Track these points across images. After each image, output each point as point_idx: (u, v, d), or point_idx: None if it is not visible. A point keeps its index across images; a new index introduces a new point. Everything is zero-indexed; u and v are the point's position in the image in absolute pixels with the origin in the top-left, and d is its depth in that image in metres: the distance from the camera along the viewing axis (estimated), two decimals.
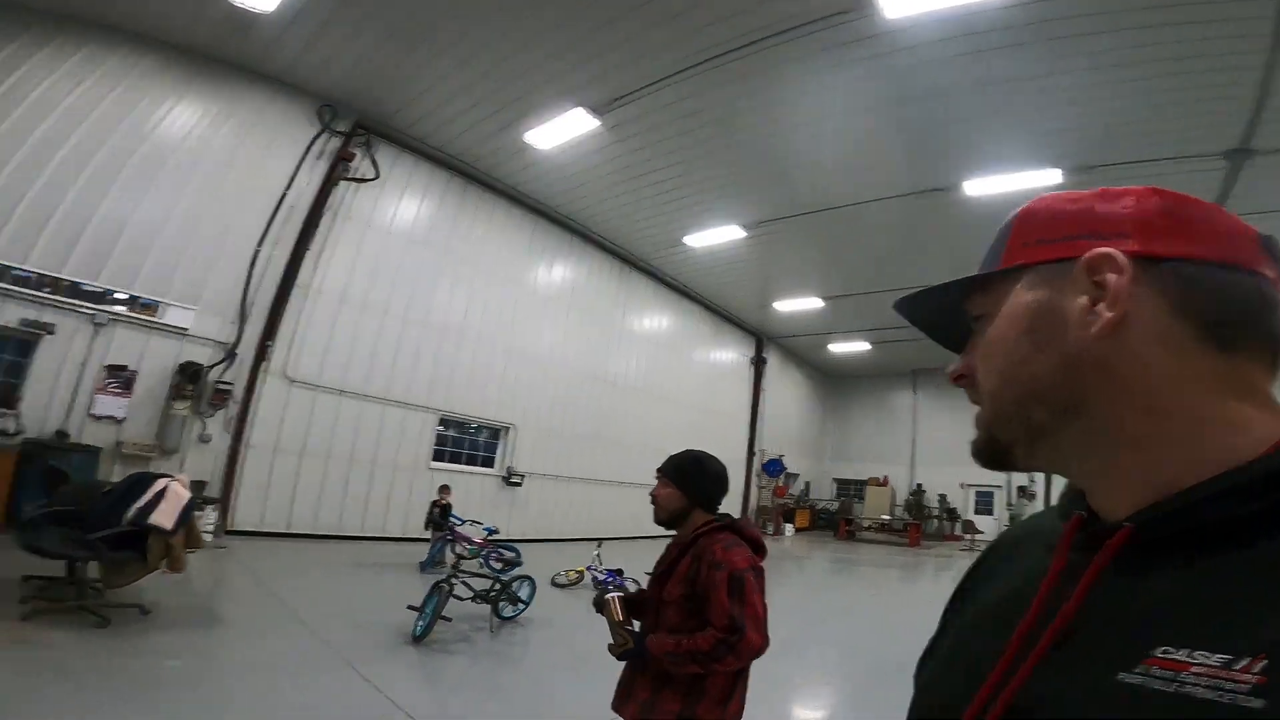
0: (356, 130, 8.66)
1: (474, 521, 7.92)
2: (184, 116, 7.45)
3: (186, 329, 7.20)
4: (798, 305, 14.65)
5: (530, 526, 10.29)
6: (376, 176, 8.86)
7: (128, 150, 7.01)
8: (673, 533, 1.94)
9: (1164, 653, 0.35)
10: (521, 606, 6.03)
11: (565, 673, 4.59)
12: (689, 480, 1.91)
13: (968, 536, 17.60)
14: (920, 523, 18.67)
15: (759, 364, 17.38)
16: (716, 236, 11.33)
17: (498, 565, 8.02)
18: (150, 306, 7.01)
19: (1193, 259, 0.43)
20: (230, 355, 7.41)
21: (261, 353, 7.67)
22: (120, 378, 6.77)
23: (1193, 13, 5.62)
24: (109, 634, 3.86)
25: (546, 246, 11.25)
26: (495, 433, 10.49)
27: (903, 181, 9.12)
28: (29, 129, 6.43)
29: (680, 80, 7.46)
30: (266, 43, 7.44)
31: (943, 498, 19.63)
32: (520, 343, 10.66)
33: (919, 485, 20.00)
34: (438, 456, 9.54)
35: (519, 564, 7.06)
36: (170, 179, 7.24)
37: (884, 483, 20.82)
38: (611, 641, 1.84)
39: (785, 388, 19.28)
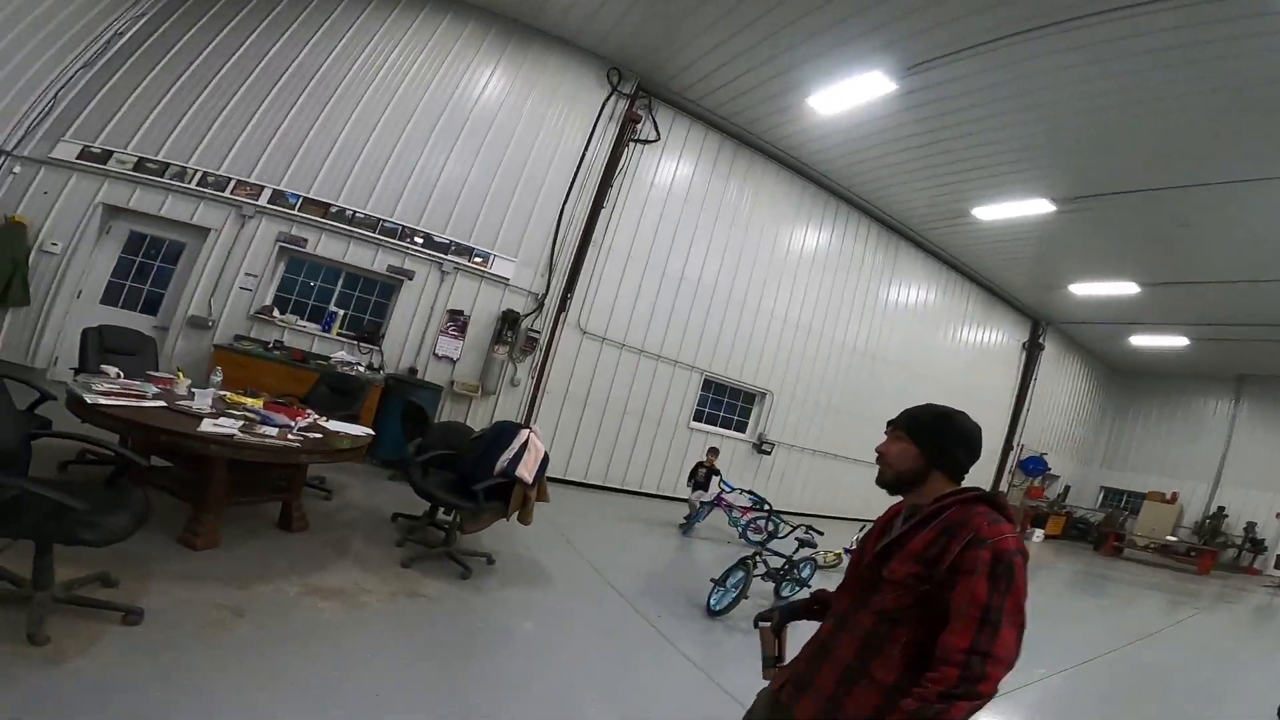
0: (639, 93, 8.81)
1: (744, 490, 7.98)
2: (500, 81, 8.10)
3: (508, 279, 8.02)
4: (1101, 289, 12.37)
5: (772, 498, 10.22)
6: (658, 138, 9.00)
7: (461, 115, 7.87)
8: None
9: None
10: (800, 589, 5.86)
11: None
12: (930, 436, 1.55)
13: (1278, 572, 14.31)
14: (1215, 550, 15.49)
15: (1032, 350, 15.17)
16: (1015, 210, 9.79)
17: (756, 537, 8.06)
18: (483, 257, 7.91)
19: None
20: (540, 305, 8.15)
21: (563, 304, 8.32)
22: (458, 321, 7.79)
23: None
24: (470, 586, 4.24)
25: (814, 212, 10.63)
26: (750, 397, 10.47)
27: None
28: (384, 93, 7.57)
29: (996, 47, 6.36)
30: (563, 7, 7.77)
31: (1250, 526, 16.00)
32: (781, 308, 10.36)
33: (1220, 508, 16.47)
34: (696, 417, 9.80)
35: (778, 536, 6.95)
36: (494, 141, 7.99)
37: (1171, 499, 17.43)
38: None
39: (1060, 379, 16.69)
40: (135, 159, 6.80)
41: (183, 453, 3.51)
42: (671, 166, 9.22)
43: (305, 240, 7.23)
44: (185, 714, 2.30)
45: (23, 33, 5.85)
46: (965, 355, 13.60)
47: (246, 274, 7.03)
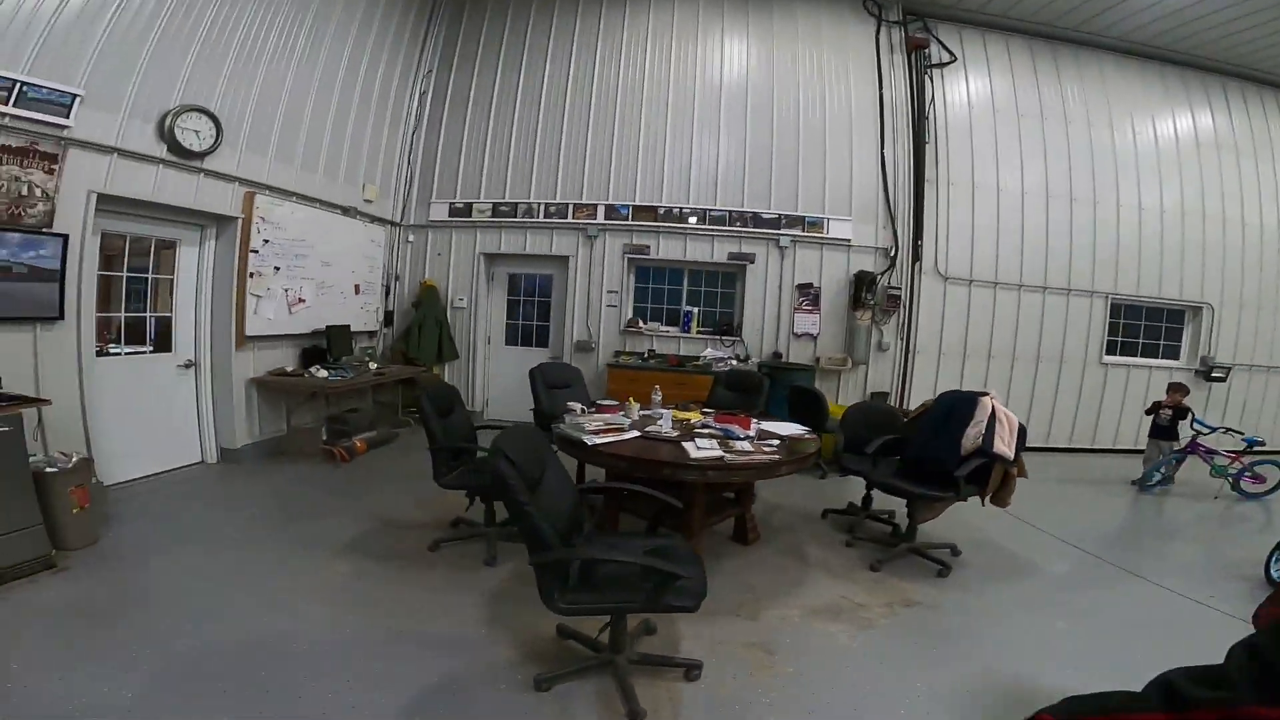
0: (908, 17, 7.58)
1: (1230, 429, 6.07)
2: (758, 48, 7.55)
3: (849, 240, 7.26)
4: None
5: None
6: (954, 58, 7.56)
7: (739, 91, 7.47)
8: None
9: None
10: None
11: None
12: None
13: None
14: None
15: None
16: None
17: (1256, 488, 6.08)
18: (816, 224, 7.26)
19: None
20: (892, 260, 7.22)
21: (915, 252, 7.27)
22: (809, 294, 7.25)
23: None
24: (955, 585, 3.70)
25: (1184, 95, 7.96)
26: (1177, 315, 8.11)
27: None
28: (657, 88, 7.35)
29: None
30: None
31: None
32: (1193, 202, 7.86)
33: None
34: (1109, 349, 7.86)
35: None
36: (782, 105, 7.42)
37: None
38: None
39: None
40: (490, 205, 7.61)
41: (663, 480, 3.43)
42: (981, 83, 7.69)
43: (646, 247, 7.37)
44: None
45: (358, 121, 6.83)
46: None
47: (609, 291, 7.39)
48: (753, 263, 7.28)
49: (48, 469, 3.45)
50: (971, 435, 3.91)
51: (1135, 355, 8.00)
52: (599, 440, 3.55)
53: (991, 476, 3.87)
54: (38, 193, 3.84)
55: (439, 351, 7.31)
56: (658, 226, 7.36)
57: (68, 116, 3.95)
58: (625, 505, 3.99)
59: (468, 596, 3.24)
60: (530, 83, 7.67)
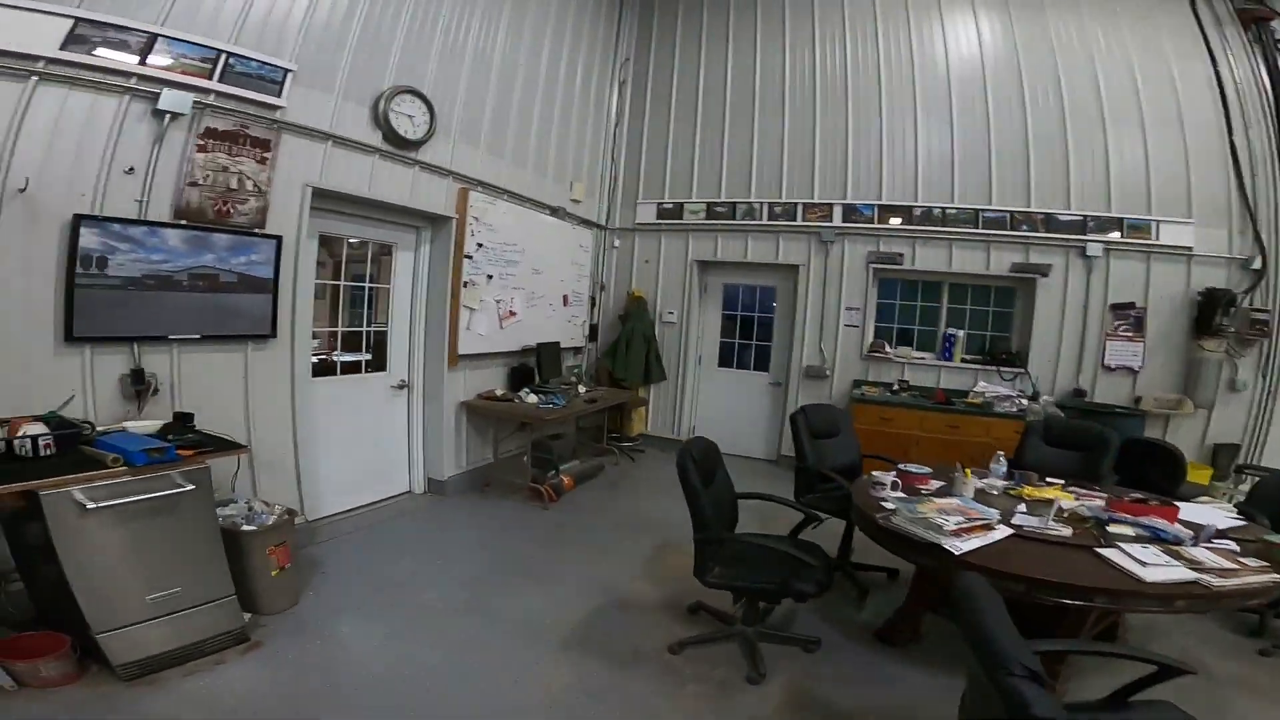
0: None
1: None
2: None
3: (1190, 248, 5.39)
4: None
5: None
6: None
7: (1008, 69, 5.70)
8: None
9: None
10: None
11: None
12: None
13: None
14: None
15: None
16: None
17: None
18: (1140, 228, 5.47)
19: None
20: (1258, 275, 5.27)
21: None
22: (1128, 317, 5.51)
23: None
24: None
25: None
26: None
27: None
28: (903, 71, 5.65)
29: None
30: None
31: None
32: None
33: None
34: None
35: None
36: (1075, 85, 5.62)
37: None
38: None
39: None
40: (704, 205, 6.63)
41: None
42: None
43: (899, 255, 5.99)
44: None
45: (563, 112, 5.99)
46: None
47: (848, 308, 6.14)
48: (1046, 275, 5.66)
49: (244, 526, 2.87)
50: None
51: None
52: (965, 545, 2.36)
53: None
54: (249, 185, 3.28)
55: (646, 371, 6.46)
56: (912, 231, 5.96)
57: (279, 95, 3.37)
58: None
59: None
60: (740, 66, 6.58)
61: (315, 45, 3.58)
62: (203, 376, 3.18)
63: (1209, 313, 5.24)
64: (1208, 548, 2.42)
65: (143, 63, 2.82)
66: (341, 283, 4.35)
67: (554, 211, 5.99)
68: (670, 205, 6.78)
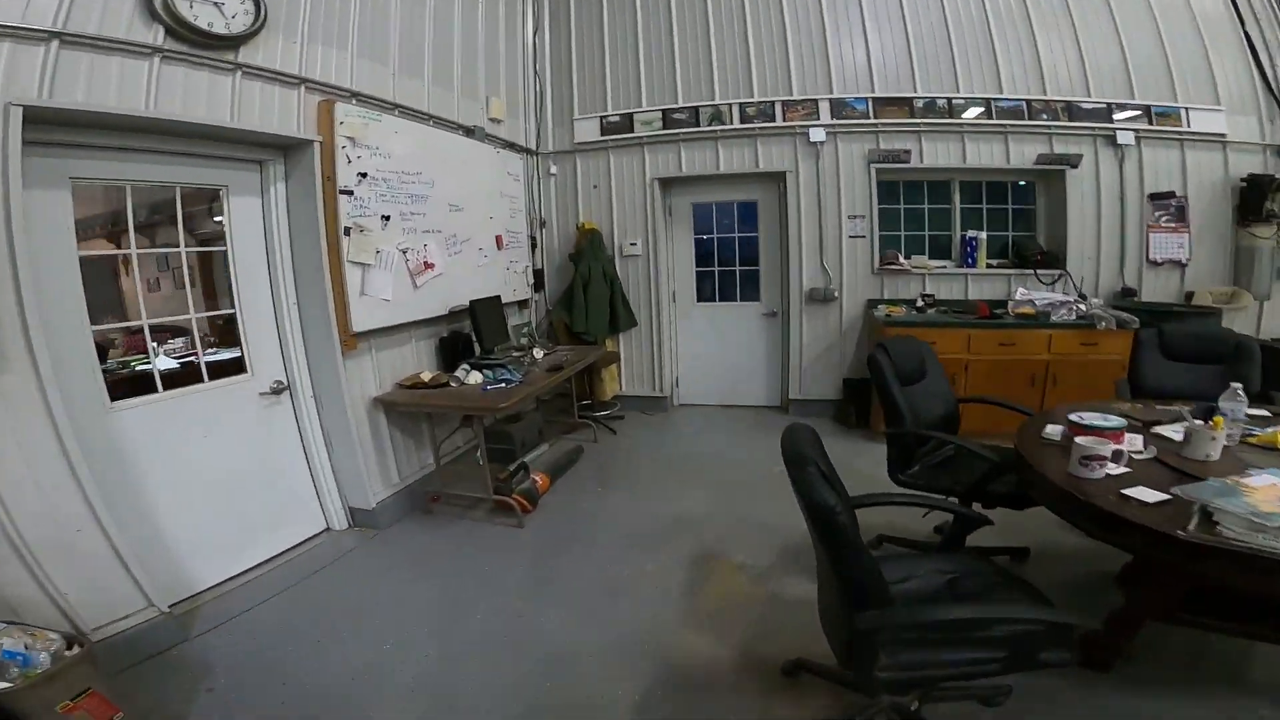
0: None
1: None
2: None
3: (1224, 135, 4.73)
4: None
5: None
6: None
7: None
8: None
9: None
10: None
11: None
12: None
13: None
14: None
15: None
16: None
17: None
18: (1169, 114, 4.70)
19: None
20: None
21: None
22: (1168, 208, 4.77)
23: None
24: None
25: None
26: None
27: None
28: None
29: None
30: None
31: None
32: None
33: None
34: None
35: None
36: None
37: None
38: None
39: None
40: (659, 114, 5.27)
41: None
42: None
43: (907, 152, 4.94)
44: None
45: (465, 13, 4.41)
46: None
47: (850, 217, 5.04)
48: (1076, 167, 4.78)
49: None
50: None
51: None
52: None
53: None
54: None
55: (612, 319, 5.17)
56: (915, 124, 4.90)
57: None
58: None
59: None
60: None
61: None
62: None
63: (1257, 199, 4.59)
64: None
65: None
66: (133, 251, 2.66)
67: (469, 132, 4.42)
68: (616, 118, 5.34)
